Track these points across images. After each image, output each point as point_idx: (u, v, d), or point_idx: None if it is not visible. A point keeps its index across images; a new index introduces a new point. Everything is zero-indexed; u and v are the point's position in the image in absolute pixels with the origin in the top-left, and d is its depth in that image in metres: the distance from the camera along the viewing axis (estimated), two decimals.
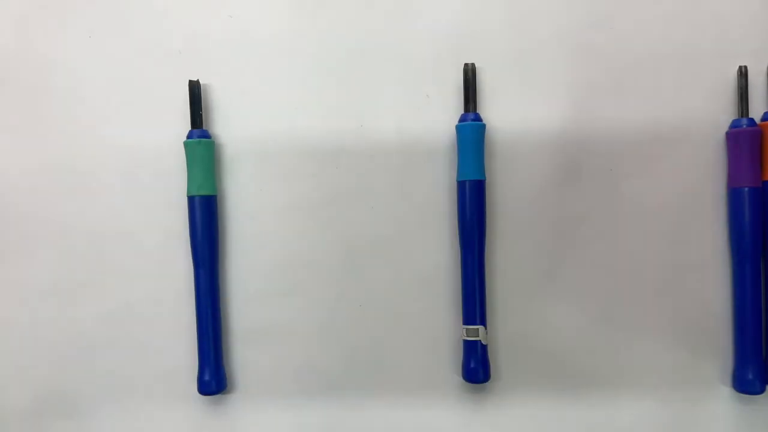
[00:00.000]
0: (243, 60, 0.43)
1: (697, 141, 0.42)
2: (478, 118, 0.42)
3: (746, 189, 0.41)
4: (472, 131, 0.41)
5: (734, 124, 0.41)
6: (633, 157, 0.43)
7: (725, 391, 0.43)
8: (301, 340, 0.43)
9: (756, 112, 0.42)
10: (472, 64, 0.42)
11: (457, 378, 0.43)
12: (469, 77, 0.42)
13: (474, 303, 0.41)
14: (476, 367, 0.41)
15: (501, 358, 0.43)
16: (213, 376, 0.42)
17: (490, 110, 0.43)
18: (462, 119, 0.42)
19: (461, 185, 0.41)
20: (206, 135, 0.42)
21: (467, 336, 0.41)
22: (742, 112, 0.42)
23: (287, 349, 0.43)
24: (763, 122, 0.41)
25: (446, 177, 0.43)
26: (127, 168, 0.44)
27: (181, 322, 0.43)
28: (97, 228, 0.44)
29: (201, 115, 0.42)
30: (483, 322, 0.41)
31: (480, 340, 0.41)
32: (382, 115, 0.43)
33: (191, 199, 0.42)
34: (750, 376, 0.41)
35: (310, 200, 0.43)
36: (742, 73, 0.42)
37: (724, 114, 0.42)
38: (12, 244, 0.44)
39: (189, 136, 0.42)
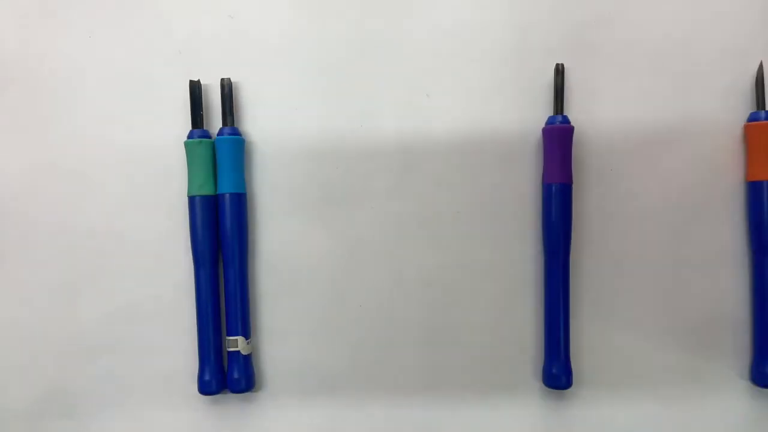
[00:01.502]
0: (241, 60, 0.43)
1: (698, 140, 0.42)
2: (235, 132, 0.42)
3: (555, 185, 0.41)
4: (231, 144, 0.42)
5: (550, 121, 0.42)
6: (633, 157, 0.43)
7: (741, 385, 0.43)
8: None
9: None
10: (228, 79, 0.42)
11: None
12: (226, 93, 0.42)
13: (235, 315, 0.42)
14: (239, 377, 0.42)
15: (501, 360, 0.43)
16: (213, 376, 0.42)
17: (489, 110, 0.43)
18: (219, 133, 0.42)
19: (223, 198, 0.42)
20: (206, 135, 0.42)
21: (229, 347, 0.42)
22: (556, 110, 0.42)
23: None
24: (750, 122, 0.41)
25: (449, 177, 0.43)
26: (127, 168, 0.44)
27: (182, 322, 0.43)
28: (98, 228, 0.44)
29: (201, 115, 0.42)
30: (245, 333, 0.42)
31: (240, 351, 0.42)
32: (381, 114, 0.43)
33: (192, 199, 0.42)
34: None
35: (311, 199, 0.43)
36: (559, 71, 0.42)
37: (725, 112, 0.42)
38: (12, 244, 0.44)
39: (189, 136, 0.42)
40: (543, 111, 0.43)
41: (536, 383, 0.43)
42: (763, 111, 0.41)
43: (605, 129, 0.43)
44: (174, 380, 0.44)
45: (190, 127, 0.42)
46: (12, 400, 0.44)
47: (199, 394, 0.43)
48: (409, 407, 0.43)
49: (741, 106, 0.42)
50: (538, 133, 0.43)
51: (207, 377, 0.42)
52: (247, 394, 0.43)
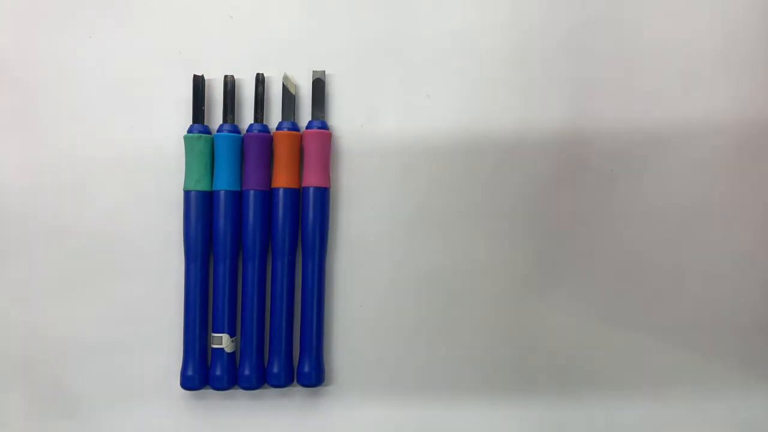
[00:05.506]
0: (242, 60, 0.43)
1: (699, 140, 0.42)
2: (235, 129, 0.42)
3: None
4: (229, 141, 0.42)
5: (249, 129, 0.42)
6: (633, 157, 0.42)
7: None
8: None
9: None
10: (232, 76, 0.42)
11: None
12: (228, 90, 0.42)
13: (222, 312, 0.42)
14: (221, 374, 0.41)
15: (503, 360, 0.43)
16: (197, 372, 0.42)
17: (489, 110, 0.43)
18: (219, 129, 0.42)
19: (218, 195, 0.42)
20: (207, 131, 0.42)
21: (213, 344, 0.42)
22: (256, 118, 0.42)
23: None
24: (277, 131, 0.42)
25: (444, 177, 0.43)
26: (127, 168, 0.44)
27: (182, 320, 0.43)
28: (97, 228, 0.44)
29: (203, 110, 0.43)
30: (230, 331, 0.42)
31: (223, 348, 0.41)
32: (381, 115, 0.43)
33: (187, 194, 0.42)
34: None
35: None
36: (260, 81, 0.42)
37: (726, 113, 0.42)
38: (11, 243, 0.44)
39: (189, 131, 0.42)
40: (542, 111, 0.43)
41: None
42: (257, 124, 0.42)
43: (604, 130, 0.43)
44: (175, 380, 0.43)
45: (189, 130, 0.43)
46: (12, 400, 0.44)
47: (209, 391, 0.42)
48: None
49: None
50: (537, 133, 0.43)
51: (190, 372, 0.41)
52: (316, 388, 0.42)
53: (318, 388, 0.42)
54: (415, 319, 0.43)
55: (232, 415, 0.43)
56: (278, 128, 0.42)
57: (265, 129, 0.42)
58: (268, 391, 0.43)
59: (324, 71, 0.43)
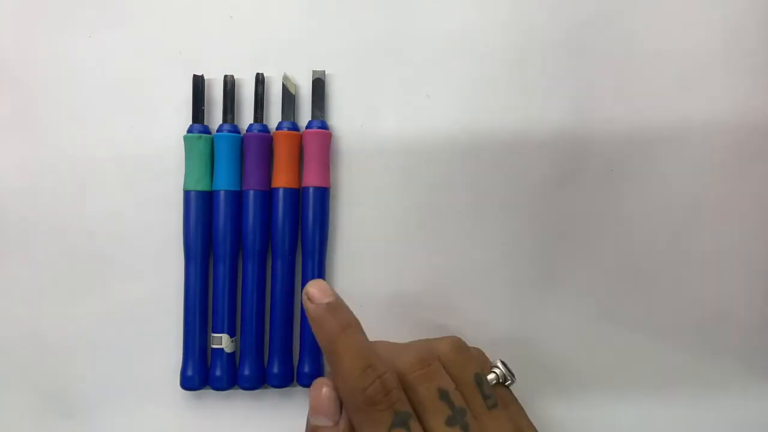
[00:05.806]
0: (242, 60, 0.43)
1: (699, 140, 0.42)
2: (235, 129, 0.42)
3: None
4: (229, 141, 0.42)
5: (249, 129, 0.42)
6: (633, 157, 0.43)
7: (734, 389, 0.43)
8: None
9: None
10: (231, 76, 0.42)
11: None
12: (228, 90, 0.42)
13: (222, 312, 0.42)
14: (221, 375, 0.41)
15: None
16: (197, 372, 0.42)
17: (489, 110, 0.43)
18: (219, 129, 0.42)
19: (218, 195, 0.42)
20: (207, 131, 0.42)
21: (213, 344, 0.42)
22: (256, 118, 0.42)
23: None
24: (277, 131, 0.42)
25: (444, 177, 0.43)
26: (127, 169, 0.44)
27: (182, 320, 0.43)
28: (97, 228, 0.44)
29: (203, 110, 0.43)
30: (230, 331, 0.42)
31: (223, 348, 0.41)
32: (381, 115, 0.43)
33: (187, 194, 0.42)
34: None
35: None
36: (260, 81, 0.42)
37: (726, 113, 0.42)
38: (11, 243, 0.44)
39: (189, 131, 0.42)
40: (542, 110, 0.43)
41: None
42: (257, 124, 0.42)
43: (604, 130, 0.43)
44: (176, 380, 0.43)
45: (188, 130, 0.42)
46: (12, 400, 0.44)
47: (209, 392, 0.42)
48: None
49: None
50: (537, 133, 0.43)
51: (190, 372, 0.41)
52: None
53: None
54: (415, 320, 0.43)
55: (232, 415, 0.43)
56: (278, 128, 0.42)
57: (265, 129, 0.42)
58: (268, 391, 0.43)
59: (324, 71, 0.43)
